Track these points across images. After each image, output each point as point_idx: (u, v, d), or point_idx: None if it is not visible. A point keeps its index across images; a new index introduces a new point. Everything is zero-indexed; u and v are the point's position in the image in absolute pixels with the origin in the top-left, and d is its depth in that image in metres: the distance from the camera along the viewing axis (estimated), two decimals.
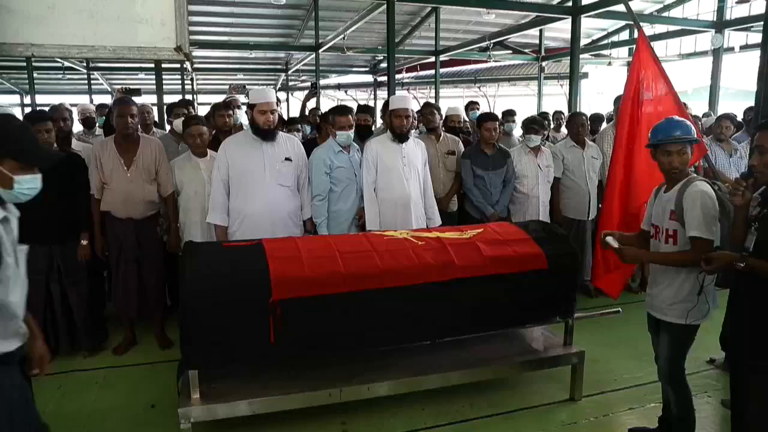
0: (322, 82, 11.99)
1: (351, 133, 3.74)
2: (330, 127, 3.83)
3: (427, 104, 4.90)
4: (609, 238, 2.71)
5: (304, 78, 17.82)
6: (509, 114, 6.06)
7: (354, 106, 5.50)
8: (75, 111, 5.93)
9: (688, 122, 2.56)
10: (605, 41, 13.69)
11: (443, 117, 5.08)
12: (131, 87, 11.60)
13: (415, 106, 4.35)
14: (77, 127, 5.76)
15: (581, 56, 9.63)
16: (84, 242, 3.64)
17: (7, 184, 1.75)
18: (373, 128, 5.02)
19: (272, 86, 18.90)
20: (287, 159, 3.60)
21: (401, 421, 2.99)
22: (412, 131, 4.13)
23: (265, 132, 3.49)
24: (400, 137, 3.87)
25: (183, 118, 4.33)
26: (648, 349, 3.27)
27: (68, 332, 3.70)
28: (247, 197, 3.50)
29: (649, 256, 2.66)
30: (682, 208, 2.43)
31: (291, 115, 9.34)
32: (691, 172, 2.59)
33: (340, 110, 3.83)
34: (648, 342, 3.25)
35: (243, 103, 6.30)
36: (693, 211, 2.38)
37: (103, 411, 3.11)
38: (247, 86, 12.80)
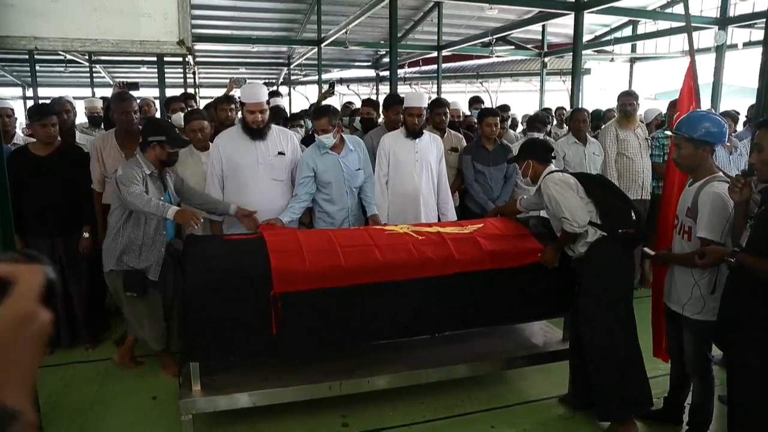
0: (324, 76, 11.96)
1: (328, 137, 3.48)
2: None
3: (439, 103, 4.77)
4: (647, 250, 2.85)
5: (306, 72, 17.80)
6: (504, 110, 6.06)
7: (356, 100, 5.47)
8: (83, 106, 5.93)
9: (707, 121, 2.54)
10: (608, 37, 13.63)
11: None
12: (129, 81, 11.61)
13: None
14: (80, 119, 5.75)
15: (584, 52, 9.58)
16: (86, 235, 3.67)
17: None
18: (379, 122, 5.01)
19: (274, 80, 18.87)
20: (280, 153, 3.57)
21: (400, 414, 3.01)
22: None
23: (254, 131, 3.48)
24: (414, 133, 3.90)
25: (181, 112, 4.34)
26: (647, 344, 3.29)
27: (68, 325, 3.73)
28: (241, 192, 3.49)
29: (673, 258, 2.69)
30: (697, 207, 2.47)
31: (293, 111, 9.34)
32: (718, 170, 2.59)
33: (317, 113, 3.61)
34: (647, 337, 3.28)
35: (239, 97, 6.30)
36: (703, 213, 2.42)
37: (104, 402, 3.14)
38: (247, 80, 12.80)
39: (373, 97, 14.85)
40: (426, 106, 4.00)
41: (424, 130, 4.02)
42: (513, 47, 13.44)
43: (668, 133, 3.90)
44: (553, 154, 3.13)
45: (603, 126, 5.47)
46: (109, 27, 2.50)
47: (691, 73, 3.39)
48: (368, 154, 3.82)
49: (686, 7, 3.66)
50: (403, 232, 3.04)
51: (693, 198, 2.50)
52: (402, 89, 10.98)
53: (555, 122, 7.40)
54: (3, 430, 0.44)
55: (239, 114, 5.28)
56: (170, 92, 8.23)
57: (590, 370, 2.85)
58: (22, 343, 0.48)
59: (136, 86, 11.00)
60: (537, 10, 9.19)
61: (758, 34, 10.54)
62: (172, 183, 3.38)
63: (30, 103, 7.61)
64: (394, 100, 4.46)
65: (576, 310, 2.92)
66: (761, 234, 2.11)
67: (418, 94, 4.17)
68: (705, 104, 4.66)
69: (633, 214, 2.84)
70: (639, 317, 3.92)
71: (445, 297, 2.86)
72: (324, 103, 5.94)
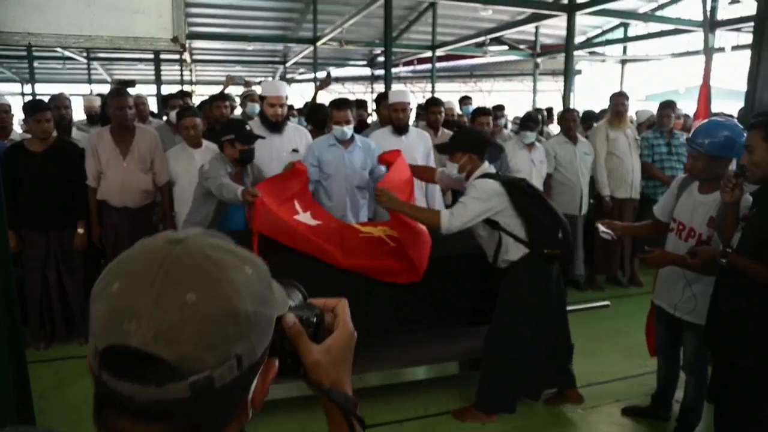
0: (319, 74, 11.95)
1: (347, 128, 3.54)
2: (329, 120, 3.75)
3: (435, 102, 4.83)
4: (603, 228, 2.70)
5: (302, 71, 17.77)
6: (498, 109, 6.12)
7: (350, 99, 5.49)
8: (80, 103, 5.91)
9: (726, 132, 2.41)
10: (600, 39, 13.72)
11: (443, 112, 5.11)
12: (126, 79, 11.59)
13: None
14: (78, 116, 5.74)
15: (576, 53, 9.65)
16: (80, 231, 3.67)
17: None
18: (369, 122, 5.05)
19: (269, 78, 18.84)
20: (294, 150, 3.62)
21: (393, 410, 3.02)
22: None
23: (272, 124, 3.52)
24: (399, 130, 3.93)
25: (177, 110, 4.35)
26: (635, 342, 3.33)
27: (64, 319, 3.73)
28: (252, 186, 3.50)
29: (669, 259, 2.50)
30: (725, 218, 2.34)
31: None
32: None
33: (338, 104, 3.64)
34: (635, 335, 3.32)
35: (237, 95, 6.31)
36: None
37: None
38: (244, 77, 12.79)
39: (368, 96, 14.89)
40: (409, 101, 4.03)
41: (413, 127, 4.07)
42: (506, 47, 13.50)
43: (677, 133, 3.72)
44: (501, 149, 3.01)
45: (594, 125, 5.52)
46: (103, 23, 2.50)
47: (707, 77, 3.42)
48: None
49: (705, 10, 3.68)
50: (377, 236, 3.03)
51: (719, 209, 2.39)
52: (396, 88, 10.98)
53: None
54: (353, 411, 0.70)
55: (235, 111, 5.32)
56: (166, 89, 8.22)
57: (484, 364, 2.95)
58: (350, 354, 0.72)
59: (132, 84, 11.01)
60: (530, 11, 9.24)
61: (746, 38, 10.65)
62: (250, 183, 3.28)
63: (28, 99, 7.59)
64: (383, 96, 4.58)
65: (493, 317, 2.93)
66: (752, 236, 2.09)
67: (401, 90, 4.26)
68: (695, 107, 4.71)
69: (561, 232, 2.72)
70: (625, 314, 3.96)
71: (433, 296, 2.92)
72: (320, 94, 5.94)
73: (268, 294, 0.58)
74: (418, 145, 4.01)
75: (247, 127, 3.20)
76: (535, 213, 2.72)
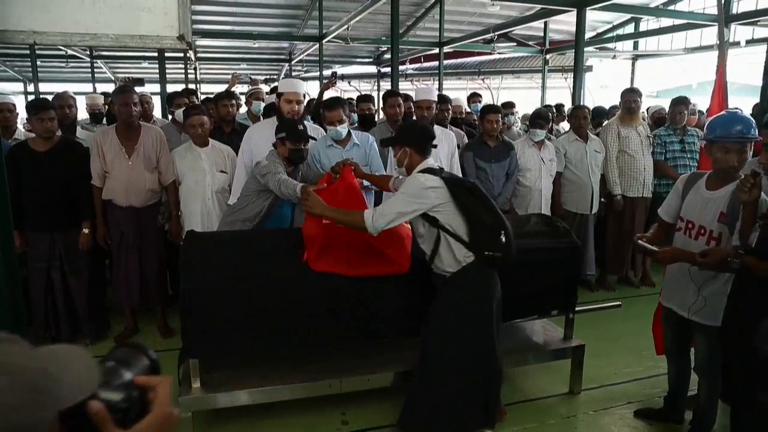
0: (325, 72, 11.93)
1: (341, 128, 3.51)
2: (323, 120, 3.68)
3: (442, 99, 4.79)
4: (641, 242, 2.62)
5: (307, 68, 17.77)
6: (508, 106, 6.05)
7: (355, 96, 5.47)
8: (84, 102, 5.90)
9: (749, 118, 2.42)
10: (610, 34, 13.59)
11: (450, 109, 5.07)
12: (134, 77, 11.61)
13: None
14: (82, 115, 5.73)
15: (586, 49, 9.54)
16: (85, 230, 3.65)
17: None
18: (376, 118, 5.01)
19: (275, 76, 18.84)
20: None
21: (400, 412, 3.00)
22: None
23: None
24: None
25: (184, 108, 4.32)
26: (647, 343, 3.28)
27: (69, 320, 3.71)
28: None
29: (680, 255, 2.44)
30: (736, 214, 2.30)
31: None
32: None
33: (329, 104, 3.59)
34: (647, 336, 3.26)
35: (242, 93, 6.29)
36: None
37: None
38: (250, 75, 12.77)
39: (374, 94, 14.85)
40: (435, 98, 4.03)
41: (436, 126, 4.00)
42: (515, 44, 13.41)
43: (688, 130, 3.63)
44: (434, 143, 2.73)
45: (605, 123, 5.44)
46: (109, 21, 2.47)
47: (722, 72, 3.36)
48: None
49: (720, 3, 3.62)
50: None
51: (729, 204, 2.36)
52: (403, 86, 10.92)
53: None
54: None
55: (240, 110, 5.28)
56: (171, 88, 8.22)
57: (420, 384, 2.66)
58: None
59: (141, 82, 11.03)
60: (539, 6, 9.13)
61: (761, 32, 10.51)
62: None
63: (31, 98, 7.63)
64: (389, 93, 4.51)
65: (427, 326, 2.67)
66: None
67: (427, 88, 4.28)
68: (708, 102, 4.64)
69: (503, 235, 2.51)
70: (637, 315, 3.91)
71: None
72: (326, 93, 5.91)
73: (35, 398, 0.54)
74: (441, 144, 3.93)
75: (300, 127, 3.14)
76: (478, 212, 2.52)
